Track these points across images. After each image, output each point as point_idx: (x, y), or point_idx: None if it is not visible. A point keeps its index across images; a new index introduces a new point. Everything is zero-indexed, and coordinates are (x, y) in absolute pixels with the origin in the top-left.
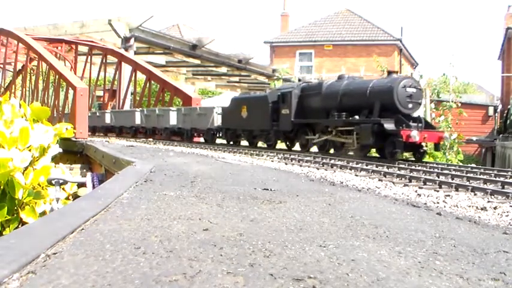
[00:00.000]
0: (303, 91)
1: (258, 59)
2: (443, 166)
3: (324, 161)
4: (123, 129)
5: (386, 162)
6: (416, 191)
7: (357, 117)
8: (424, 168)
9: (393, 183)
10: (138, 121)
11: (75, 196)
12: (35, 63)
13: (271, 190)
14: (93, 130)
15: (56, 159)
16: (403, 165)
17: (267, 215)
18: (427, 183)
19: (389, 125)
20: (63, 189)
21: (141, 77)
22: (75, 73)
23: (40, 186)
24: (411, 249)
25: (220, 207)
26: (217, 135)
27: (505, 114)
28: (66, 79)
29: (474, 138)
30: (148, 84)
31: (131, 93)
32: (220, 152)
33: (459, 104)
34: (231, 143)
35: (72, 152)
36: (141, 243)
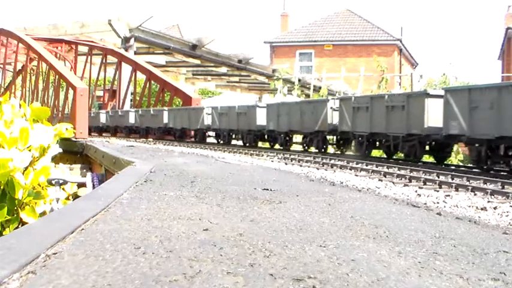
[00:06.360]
0: None
1: (258, 59)
2: (443, 166)
3: (324, 161)
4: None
5: (385, 162)
6: (416, 191)
7: None
8: (424, 168)
9: (393, 183)
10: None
11: (75, 196)
12: (35, 63)
13: (271, 190)
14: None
15: (56, 159)
16: (403, 165)
17: (267, 215)
18: (427, 183)
19: None
20: (63, 189)
21: (141, 77)
22: (75, 73)
23: (40, 186)
24: (411, 249)
25: (220, 207)
26: None
27: None
28: (66, 79)
29: None
30: (148, 84)
31: (131, 93)
32: (220, 152)
33: None
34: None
35: (72, 152)
36: (141, 243)
